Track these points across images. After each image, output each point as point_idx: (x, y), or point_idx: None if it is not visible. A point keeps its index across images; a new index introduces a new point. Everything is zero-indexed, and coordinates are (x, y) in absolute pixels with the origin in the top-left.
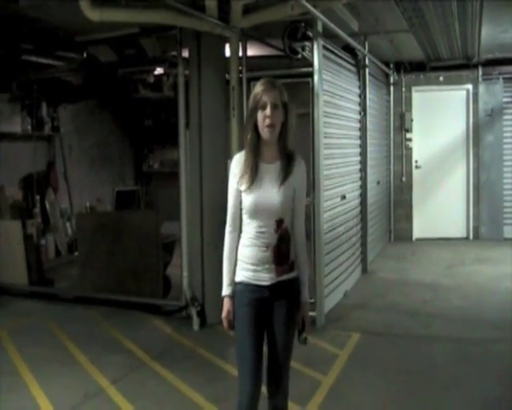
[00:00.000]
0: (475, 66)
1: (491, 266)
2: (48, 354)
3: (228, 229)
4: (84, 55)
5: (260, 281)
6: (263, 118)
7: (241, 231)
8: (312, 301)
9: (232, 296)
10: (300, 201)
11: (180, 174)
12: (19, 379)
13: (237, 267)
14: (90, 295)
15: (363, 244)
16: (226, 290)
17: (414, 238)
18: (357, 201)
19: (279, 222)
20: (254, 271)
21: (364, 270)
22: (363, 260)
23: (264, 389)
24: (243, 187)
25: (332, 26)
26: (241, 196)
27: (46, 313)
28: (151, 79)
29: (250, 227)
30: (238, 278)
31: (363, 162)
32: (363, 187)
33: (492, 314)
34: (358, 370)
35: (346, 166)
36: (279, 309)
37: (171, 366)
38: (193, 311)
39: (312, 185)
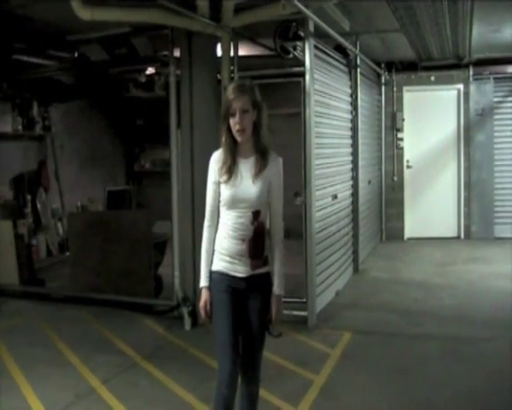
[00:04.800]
0: (466, 65)
1: (483, 264)
2: (39, 355)
3: (206, 224)
4: (76, 54)
5: (236, 272)
6: (234, 124)
7: (218, 224)
8: (304, 300)
9: (209, 287)
10: (276, 193)
11: (172, 174)
12: (10, 380)
13: (214, 257)
14: (81, 295)
15: (355, 244)
16: (204, 282)
17: (405, 238)
18: (349, 200)
19: (255, 214)
20: (230, 262)
21: (356, 269)
22: (355, 260)
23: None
24: (222, 179)
25: (323, 25)
26: (219, 189)
27: (37, 313)
28: (142, 79)
29: (228, 219)
30: (215, 267)
31: (355, 162)
32: (355, 187)
33: (484, 313)
34: (350, 369)
35: (338, 166)
36: (253, 301)
37: (163, 366)
38: (184, 311)
39: (304, 185)
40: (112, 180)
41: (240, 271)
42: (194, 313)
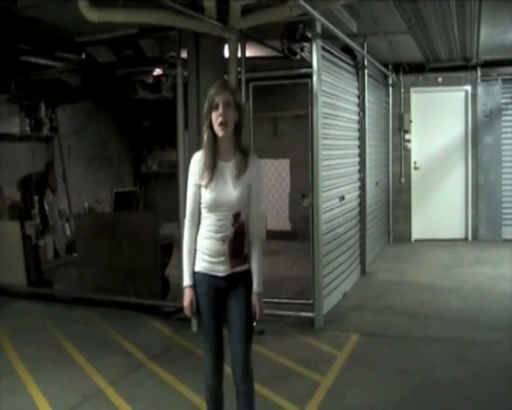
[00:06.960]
0: (474, 67)
1: (490, 267)
2: (46, 355)
3: (187, 224)
4: (83, 55)
5: (216, 272)
6: (216, 117)
7: (199, 224)
8: (311, 302)
9: (193, 286)
10: (256, 195)
11: (179, 175)
12: (17, 380)
13: (196, 257)
14: (88, 296)
15: (362, 245)
16: (188, 281)
17: (413, 239)
18: (356, 202)
19: (236, 216)
20: (211, 262)
21: (363, 271)
22: (362, 262)
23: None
24: (203, 183)
25: (331, 27)
26: (200, 191)
27: (44, 314)
28: (150, 80)
29: (209, 220)
30: (197, 268)
31: (362, 163)
32: (362, 188)
33: (491, 316)
34: (357, 371)
35: (345, 168)
36: (235, 299)
37: (170, 367)
38: None
39: (311, 186)
40: (119, 182)
41: (219, 270)
42: None
